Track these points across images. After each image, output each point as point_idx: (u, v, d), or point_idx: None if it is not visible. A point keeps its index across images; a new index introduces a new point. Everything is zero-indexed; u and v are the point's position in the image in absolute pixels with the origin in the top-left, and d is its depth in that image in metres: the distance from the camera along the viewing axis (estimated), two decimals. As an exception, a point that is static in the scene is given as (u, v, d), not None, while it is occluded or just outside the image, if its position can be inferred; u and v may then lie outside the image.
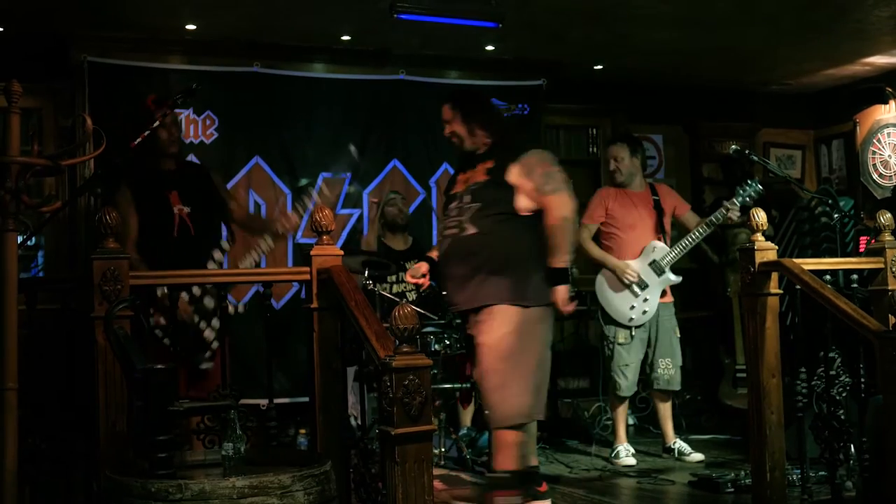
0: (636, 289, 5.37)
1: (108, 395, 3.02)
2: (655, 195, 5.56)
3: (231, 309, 4.22)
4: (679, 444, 5.48)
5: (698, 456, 5.39)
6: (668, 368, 5.43)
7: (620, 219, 5.48)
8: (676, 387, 5.49)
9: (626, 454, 5.39)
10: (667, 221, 5.53)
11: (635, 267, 5.39)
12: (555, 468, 5.30)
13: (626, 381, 5.39)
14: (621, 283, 5.38)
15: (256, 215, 4.77)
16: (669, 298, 5.52)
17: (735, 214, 5.25)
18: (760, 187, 5.31)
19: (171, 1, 5.48)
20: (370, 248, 5.92)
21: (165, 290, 4.02)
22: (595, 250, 5.49)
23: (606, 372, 5.51)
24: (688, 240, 5.40)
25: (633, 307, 5.39)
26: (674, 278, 5.42)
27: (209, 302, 4.22)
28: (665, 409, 5.57)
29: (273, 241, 4.43)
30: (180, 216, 4.43)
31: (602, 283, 5.48)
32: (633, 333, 5.39)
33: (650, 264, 5.40)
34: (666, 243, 5.47)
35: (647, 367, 5.48)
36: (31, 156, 2.79)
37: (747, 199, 5.26)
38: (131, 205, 4.40)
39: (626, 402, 5.57)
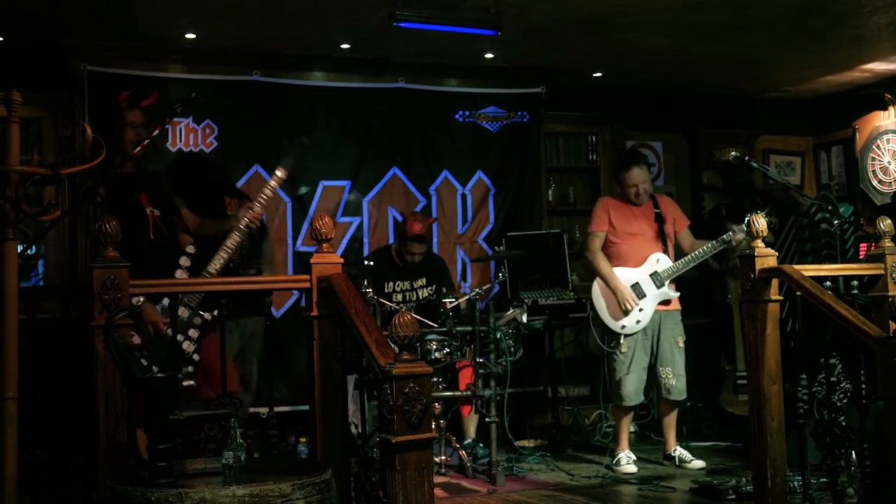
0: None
1: (108, 404, 3.02)
2: (657, 207, 5.56)
3: (208, 316, 4.20)
4: (680, 452, 5.47)
5: (699, 463, 5.38)
6: (669, 378, 5.41)
7: (620, 228, 5.49)
8: (678, 396, 5.45)
9: (627, 461, 5.38)
10: (668, 230, 5.54)
11: (636, 278, 5.39)
12: (556, 475, 5.29)
13: (629, 390, 5.38)
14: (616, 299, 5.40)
15: (208, 221, 4.73)
16: (676, 306, 5.51)
17: (741, 237, 5.21)
18: (770, 218, 5.25)
19: (171, 11, 5.49)
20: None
21: (143, 299, 3.96)
22: (604, 266, 5.44)
23: (609, 381, 5.50)
24: (692, 256, 5.41)
25: (626, 316, 5.38)
26: (672, 293, 5.43)
27: (183, 312, 4.13)
28: (669, 418, 5.54)
29: (242, 237, 4.31)
30: (153, 218, 4.41)
31: (598, 291, 5.49)
32: (634, 342, 5.38)
33: (651, 275, 5.40)
34: (668, 254, 5.48)
35: (651, 375, 5.47)
36: (31, 165, 2.79)
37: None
38: (110, 206, 4.28)
39: (631, 411, 5.56)
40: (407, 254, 5.86)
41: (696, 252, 5.41)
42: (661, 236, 5.51)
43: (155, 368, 4.02)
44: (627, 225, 5.49)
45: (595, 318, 5.52)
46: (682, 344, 5.48)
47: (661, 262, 5.43)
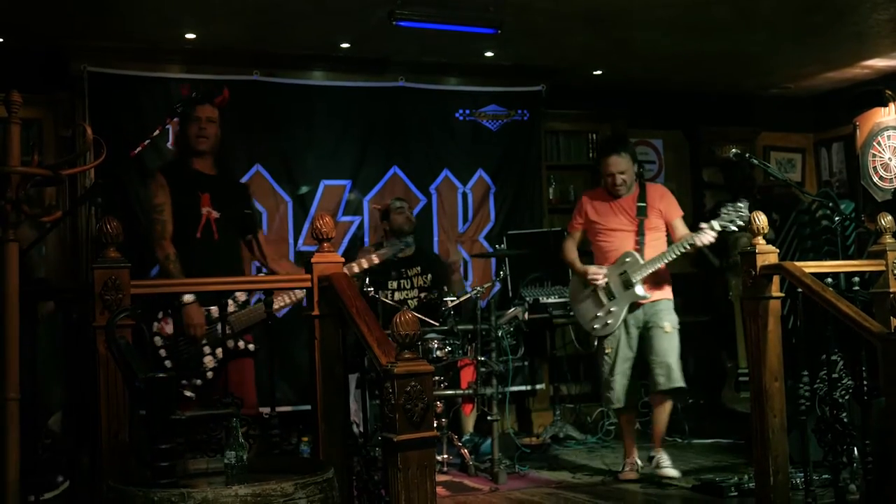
0: (602, 297, 5.09)
1: (110, 404, 3.02)
2: (642, 201, 5.17)
3: (241, 344, 4.23)
4: (659, 456, 5.05)
5: (673, 472, 4.95)
6: (654, 367, 5.01)
7: (600, 223, 5.18)
8: (664, 385, 4.96)
9: (630, 468, 5.10)
10: (651, 224, 5.14)
11: (606, 272, 5.10)
12: (558, 473, 5.29)
13: (616, 392, 5.04)
14: (585, 290, 5.13)
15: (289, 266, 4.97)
16: (667, 295, 5.11)
17: (707, 239, 4.88)
18: (745, 212, 4.78)
19: (171, 11, 5.49)
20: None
21: (193, 298, 4.03)
22: (568, 253, 5.24)
23: (600, 382, 5.24)
24: (659, 256, 5.03)
25: (596, 317, 5.11)
26: (641, 293, 5.01)
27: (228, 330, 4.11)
28: (655, 412, 5.13)
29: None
30: (207, 218, 4.45)
31: (571, 289, 5.32)
32: (617, 342, 5.06)
33: (620, 275, 5.07)
34: (643, 250, 5.07)
35: (646, 370, 5.12)
36: (32, 166, 2.80)
37: (729, 224, 4.88)
38: (167, 192, 4.45)
39: (628, 413, 5.19)
40: (396, 216, 5.96)
41: (664, 253, 5.02)
42: (640, 232, 5.12)
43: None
44: (607, 220, 5.17)
45: (573, 316, 5.33)
46: (669, 329, 4.99)
47: (629, 262, 5.05)
